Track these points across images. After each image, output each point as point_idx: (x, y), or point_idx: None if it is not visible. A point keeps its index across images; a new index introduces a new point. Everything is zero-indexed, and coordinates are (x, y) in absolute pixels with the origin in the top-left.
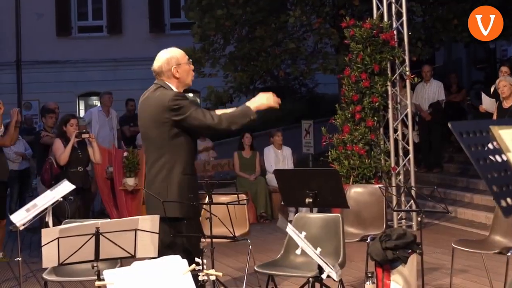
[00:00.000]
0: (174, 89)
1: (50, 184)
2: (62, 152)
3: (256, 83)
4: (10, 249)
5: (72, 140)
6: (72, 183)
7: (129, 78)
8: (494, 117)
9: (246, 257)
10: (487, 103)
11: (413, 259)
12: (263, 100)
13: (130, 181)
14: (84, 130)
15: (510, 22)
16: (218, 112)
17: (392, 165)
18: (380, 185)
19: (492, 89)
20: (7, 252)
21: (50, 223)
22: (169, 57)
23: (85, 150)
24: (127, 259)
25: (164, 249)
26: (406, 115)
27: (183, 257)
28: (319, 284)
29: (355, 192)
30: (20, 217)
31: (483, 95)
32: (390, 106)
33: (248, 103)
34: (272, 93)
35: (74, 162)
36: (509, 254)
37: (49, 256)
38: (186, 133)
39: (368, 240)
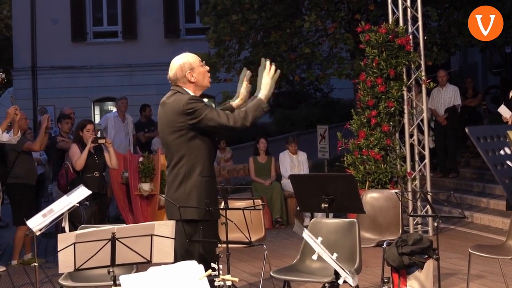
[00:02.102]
0: (191, 93)
1: (66, 189)
2: (78, 157)
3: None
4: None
5: (88, 145)
6: (88, 188)
7: (145, 83)
8: (510, 122)
9: (262, 262)
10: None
11: (430, 264)
12: (268, 84)
13: (146, 186)
14: (101, 135)
15: None
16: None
17: (408, 170)
18: (396, 190)
19: (511, 94)
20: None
21: (67, 229)
22: (182, 63)
23: (101, 155)
24: (143, 265)
25: (180, 255)
26: (422, 120)
27: (199, 263)
28: None
29: (371, 197)
30: (37, 223)
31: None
32: (405, 111)
33: (259, 95)
34: (268, 64)
35: (90, 167)
36: None
37: (65, 262)
38: (203, 135)
39: (384, 245)
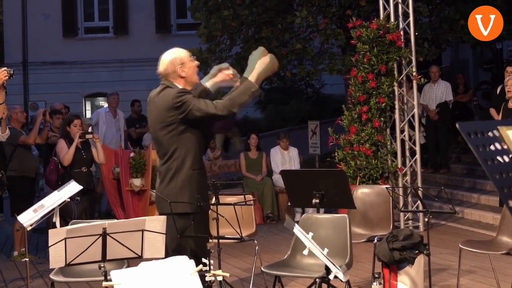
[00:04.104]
0: (180, 87)
1: (57, 184)
2: (66, 153)
3: (262, 83)
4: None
5: (76, 141)
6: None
7: (136, 79)
8: (500, 117)
9: (253, 257)
10: None
11: (420, 259)
12: (262, 64)
13: (137, 182)
14: (88, 131)
15: None
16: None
17: (399, 165)
18: (387, 186)
19: (498, 89)
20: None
21: (58, 224)
22: (172, 58)
23: (89, 151)
24: (134, 260)
25: (172, 249)
26: (413, 116)
27: (190, 258)
28: (326, 285)
29: (361, 192)
30: (28, 218)
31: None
32: (396, 106)
33: (248, 76)
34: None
35: (78, 162)
36: None
37: (56, 257)
38: (194, 128)
39: (375, 240)
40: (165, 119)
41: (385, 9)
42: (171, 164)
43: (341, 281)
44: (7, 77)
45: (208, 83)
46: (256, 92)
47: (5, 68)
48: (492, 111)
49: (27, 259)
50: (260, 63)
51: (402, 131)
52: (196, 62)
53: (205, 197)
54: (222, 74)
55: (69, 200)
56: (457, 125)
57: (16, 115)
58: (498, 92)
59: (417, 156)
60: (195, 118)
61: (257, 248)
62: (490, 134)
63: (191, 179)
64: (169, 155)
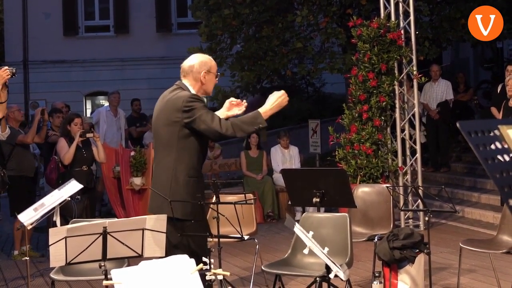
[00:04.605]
0: (193, 91)
1: (57, 183)
2: (66, 152)
3: (263, 82)
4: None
5: (76, 140)
6: None
7: (136, 77)
8: (500, 116)
9: (253, 256)
10: None
11: (421, 258)
12: (273, 99)
13: (137, 181)
14: (88, 129)
15: None
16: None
17: (399, 164)
18: (387, 185)
19: (499, 88)
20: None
21: (58, 223)
22: (203, 60)
23: (89, 149)
24: (135, 259)
25: (171, 249)
26: (413, 115)
27: (190, 257)
28: (326, 284)
29: (362, 191)
30: (28, 217)
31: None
32: (397, 105)
33: (260, 109)
34: (283, 93)
35: (79, 161)
36: None
37: (57, 256)
38: (196, 135)
39: (376, 239)
40: (170, 117)
41: (385, 8)
42: (167, 167)
43: (342, 280)
44: (10, 76)
45: (222, 116)
46: (263, 128)
47: (8, 67)
48: (493, 110)
49: (27, 258)
50: (272, 97)
51: (402, 130)
52: (217, 80)
53: (199, 206)
54: (235, 109)
55: (69, 199)
56: (457, 124)
57: (13, 114)
58: (498, 91)
59: (418, 155)
60: (198, 129)
61: (257, 247)
62: (490, 133)
63: (187, 185)
64: (165, 154)
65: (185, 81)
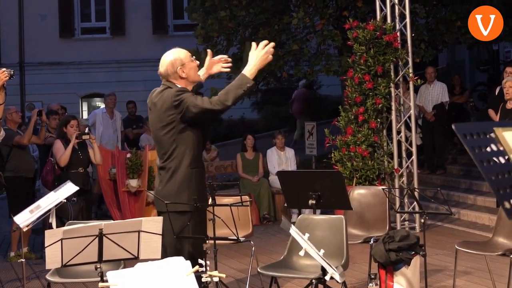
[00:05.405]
0: (180, 87)
1: (53, 185)
2: (62, 154)
3: (259, 84)
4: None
5: (72, 141)
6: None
7: (132, 79)
8: (498, 118)
9: (249, 258)
10: None
11: (416, 260)
12: (254, 58)
13: (133, 183)
14: (84, 131)
15: None
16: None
17: (395, 166)
18: (383, 187)
19: (497, 90)
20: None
21: (54, 225)
22: (172, 59)
23: (85, 151)
24: (131, 261)
25: (169, 251)
26: (409, 117)
27: (186, 259)
28: (322, 286)
29: (358, 193)
30: (24, 219)
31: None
32: (393, 108)
33: (244, 70)
34: (264, 45)
35: (75, 163)
36: None
37: (53, 257)
38: (193, 126)
39: (371, 241)
40: (164, 119)
41: (381, 10)
42: (170, 163)
43: (337, 282)
44: (7, 77)
45: (203, 76)
46: (251, 87)
47: (5, 68)
48: (491, 112)
49: (23, 260)
50: (253, 55)
51: (398, 132)
52: (197, 62)
53: (203, 195)
54: (218, 66)
55: (65, 201)
56: (453, 126)
57: (11, 115)
58: (496, 93)
59: (414, 157)
60: (192, 115)
61: (253, 249)
62: (486, 135)
63: (190, 177)
64: (169, 154)
65: (170, 82)
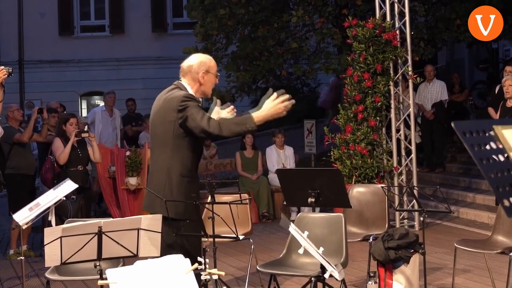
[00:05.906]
0: (191, 91)
1: (52, 183)
2: (62, 152)
3: (258, 82)
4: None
5: (71, 139)
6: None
7: (132, 77)
8: (497, 116)
9: (249, 256)
10: None
11: (416, 259)
12: (269, 111)
13: (133, 181)
14: (84, 129)
15: None
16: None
17: (395, 165)
18: (383, 185)
19: (497, 89)
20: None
21: (53, 222)
22: (202, 61)
23: (84, 149)
24: (130, 259)
25: (166, 249)
26: (409, 115)
27: (185, 256)
28: (321, 284)
29: (357, 191)
30: (23, 216)
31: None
32: (392, 106)
33: (254, 113)
34: (282, 96)
35: (74, 161)
36: (511, 254)
37: (52, 255)
38: (191, 136)
39: (371, 239)
40: (166, 117)
41: (381, 8)
42: (161, 166)
43: (337, 280)
44: (6, 75)
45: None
46: (251, 131)
47: (4, 66)
48: (490, 110)
49: (22, 258)
50: (268, 104)
51: (397, 130)
52: (217, 80)
53: (194, 206)
54: (224, 112)
55: (64, 198)
56: (452, 124)
57: (12, 113)
58: (496, 92)
59: (413, 155)
60: (189, 126)
61: (252, 247)
62: (485, 133)
63: (180, 185)
64: (160, 152)
65: (184, 81)
